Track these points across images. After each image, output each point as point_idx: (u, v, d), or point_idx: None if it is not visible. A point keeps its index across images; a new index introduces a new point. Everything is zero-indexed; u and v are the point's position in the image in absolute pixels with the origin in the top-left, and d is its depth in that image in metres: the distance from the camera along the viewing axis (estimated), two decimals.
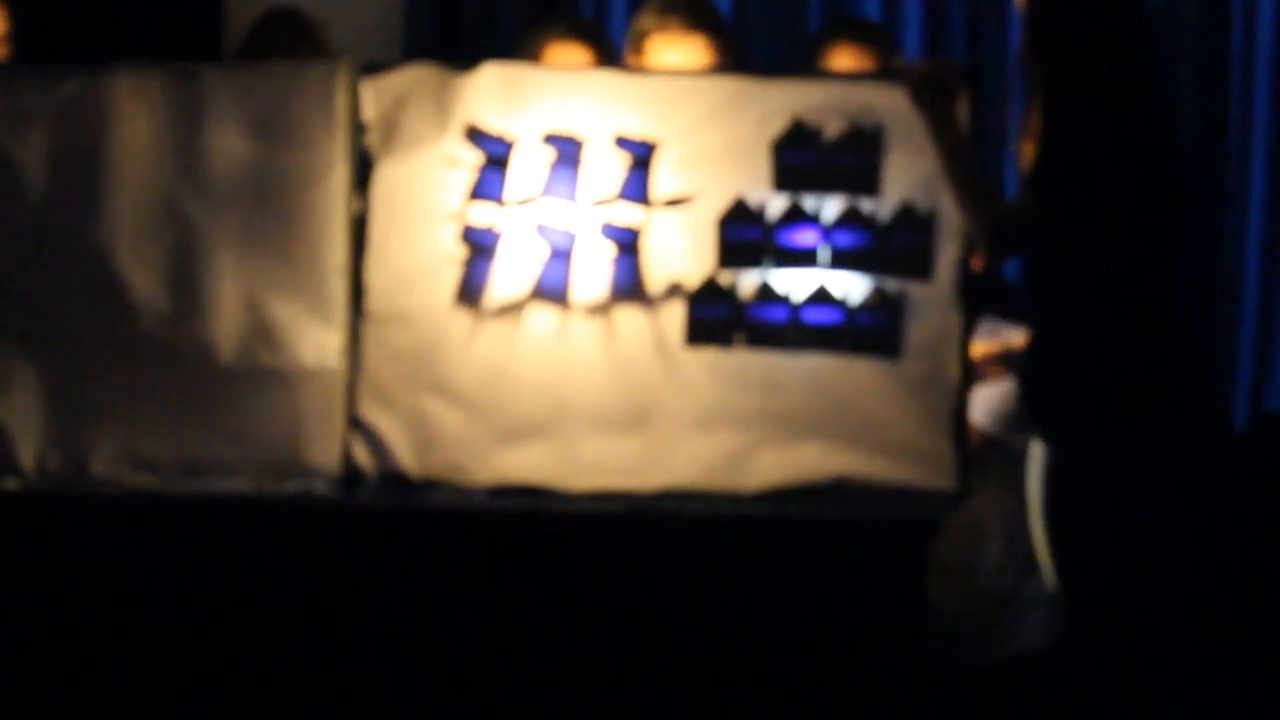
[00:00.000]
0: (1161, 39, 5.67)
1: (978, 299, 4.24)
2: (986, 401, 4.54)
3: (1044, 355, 4.18)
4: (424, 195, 4.22)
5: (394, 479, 4.18)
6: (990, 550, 4.60)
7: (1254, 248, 5.85)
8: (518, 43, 4.99)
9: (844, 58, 4.82)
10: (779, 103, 4.19)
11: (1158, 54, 4.74)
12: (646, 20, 4.83)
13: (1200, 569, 4.31)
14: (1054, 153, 4.09)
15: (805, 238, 4.18)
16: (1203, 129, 5.79)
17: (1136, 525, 4.08)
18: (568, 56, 4.82)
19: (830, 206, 4.17)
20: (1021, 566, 4.48)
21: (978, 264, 4.16)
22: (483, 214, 4.21)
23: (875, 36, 4.93)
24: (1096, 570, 4.10)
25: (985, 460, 4.50)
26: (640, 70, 4.67)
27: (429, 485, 4.18)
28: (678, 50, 4.73)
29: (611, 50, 5.02)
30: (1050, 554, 4.17)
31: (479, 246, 4.20)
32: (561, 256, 4.20)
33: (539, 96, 4.22)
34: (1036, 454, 4.17)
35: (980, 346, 4.51)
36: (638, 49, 4.80)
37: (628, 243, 4.19)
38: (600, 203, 4.21)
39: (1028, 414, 4.21)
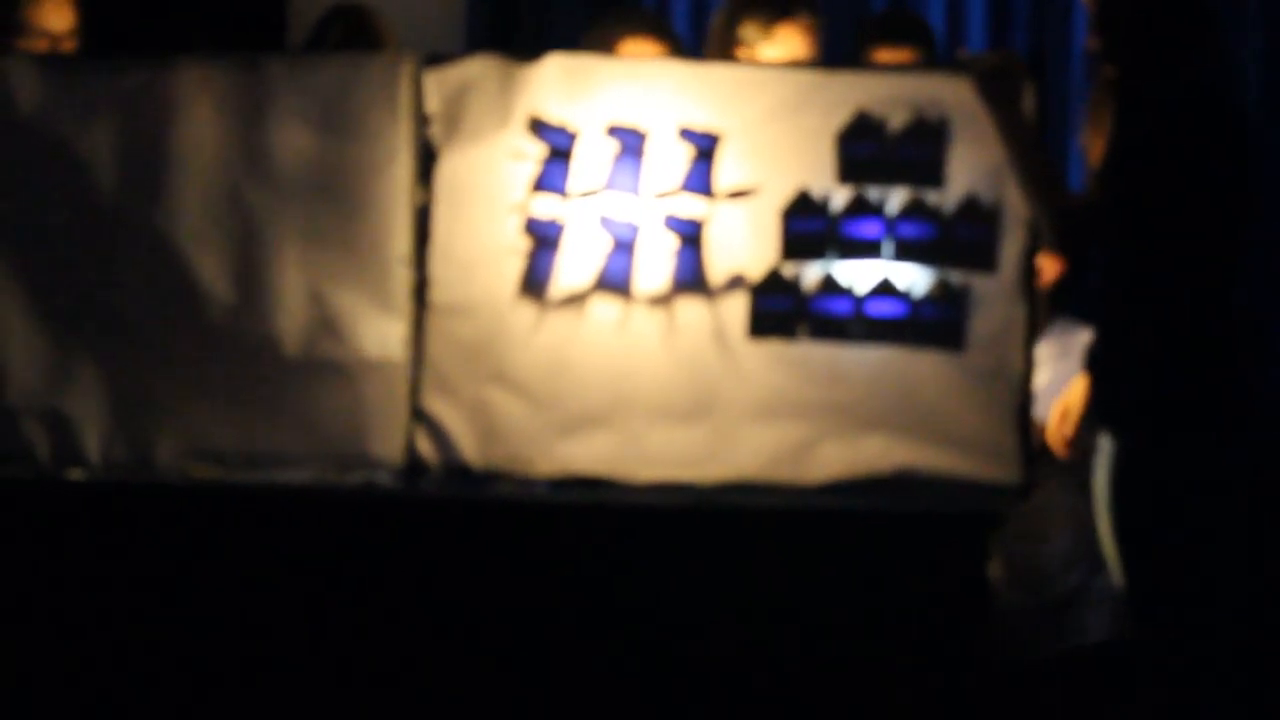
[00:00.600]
0: (1226, 39, 5.60)
1: (1054, 300, 4.22)
2: (1053, 397, 4.49)
3: (1112, 350, 4.12)
4: (487, 187, 4.21)
5: (457, 470, 4.17)
6: (1055, 545, 4.54)
7: None
8: (585, 36, 4.95)
9: (892, 57, 4.82)
10: (843, 95, 4.18)
11: (1226, 41, 4.69)
12: (761, 14, 4.79)
13: (1265, 568, 4.22)
14: (1125, 147, 4.03)
15: (869, 230, 4.17)
16: (1269, 120, 5.73)
17: (1203, 522, 4.02)
18: (642, 51, 4.81)
19: (894, 198, 4.16)
20: (1088, 562, 4.42)
21: (1059, 265, 4.14)
22: (546, 206, 4.20)
23: (917, 35, 4.91)
24: (1162, 566, 4.05)
25: (1052, 454, 4.45)
26: (704, 61, 4.64)
27: (492, 476, 4.18)
28: (804, 41, 4.74)
29: (678, 45, 5.01)
30: (1116, 550, 4.10)
31: (542, 238, 4.20)
32: (625, 248, 4.19)
33: (602, 88, 4.21)
34: (1104, 449, 4.10)
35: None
36: (767, 32, 4.76)
37: (691, 235, 4.18)
38: (663, 195, 4.19)
39: (1095, 408, 4.16)
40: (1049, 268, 4.45)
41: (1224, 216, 4.06)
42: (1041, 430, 4.45)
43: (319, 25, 4.94)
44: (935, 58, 4.72)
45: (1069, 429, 4.38)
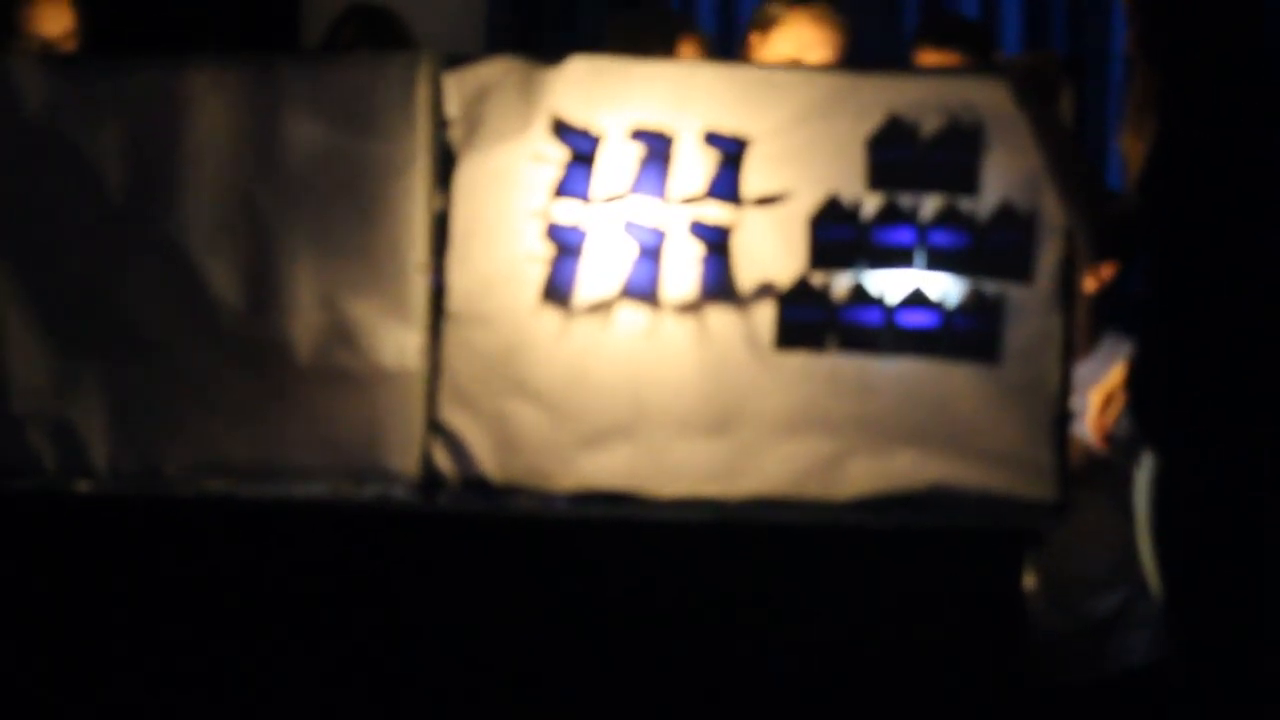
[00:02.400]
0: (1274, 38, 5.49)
1: (1101, 316, 4.14)
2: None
3: (1153, 362, 4.00)
4: (508, 191, 4.12)
5: (475, 484, 4.09)
6: (1095, 566, 4.51)
7: None
8: (609, 33, 4.94)
9: (935, 60, 4.79)
10: (874, 99, 4.09)
11: (1273, 46, 4.54)
12: (779, 3, 4.82)
13: None
14: (1167, 150, 3.92)
15: (901, 238, 4.07)
16: None
17: (1246, 539, 3.88)
18: (693, 54, 4.79)
19: (927, 205, 4.05)
20: (1129, 584, 4.37)
21: (1108, 273, 4.02)
22: (568, 211, 4.11)
23: (966, 38, 4.83)
24: (1204, 587, 3.91)
25: (1092, 474, 4.38)
26: (731, 63, 4.64)
27: (510, 490, 4.09)
28: (815, 35, 4.70)
29: (709, 47, 5.03)
30: (1157, 569, 3.99)
31: (564, 245, 4.11)
32: (649, 256, 4.10)
33: (626, 90, 4.12)
34: (1145, 465, 3.99)
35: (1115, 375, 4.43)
36: (766, 26, 4.76)
37: (717, 242, 4.08)
38: (689, 200, 4.10)
39: (1135, 422, 4.03)
40: (1101, 274, 4.36)
41: (1270, 221, 3.92)
42: (1083, 450, 4.37)
43: (334, 25, 4.96)
44: (997, 54, 4.66)
45: (1110, 418, 4.28)
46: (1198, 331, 3.94)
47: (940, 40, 4.83)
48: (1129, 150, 4.03)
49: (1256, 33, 4.01)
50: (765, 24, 4.80)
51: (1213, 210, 3.90)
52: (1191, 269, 3.95)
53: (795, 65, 4.53)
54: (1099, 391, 4.30)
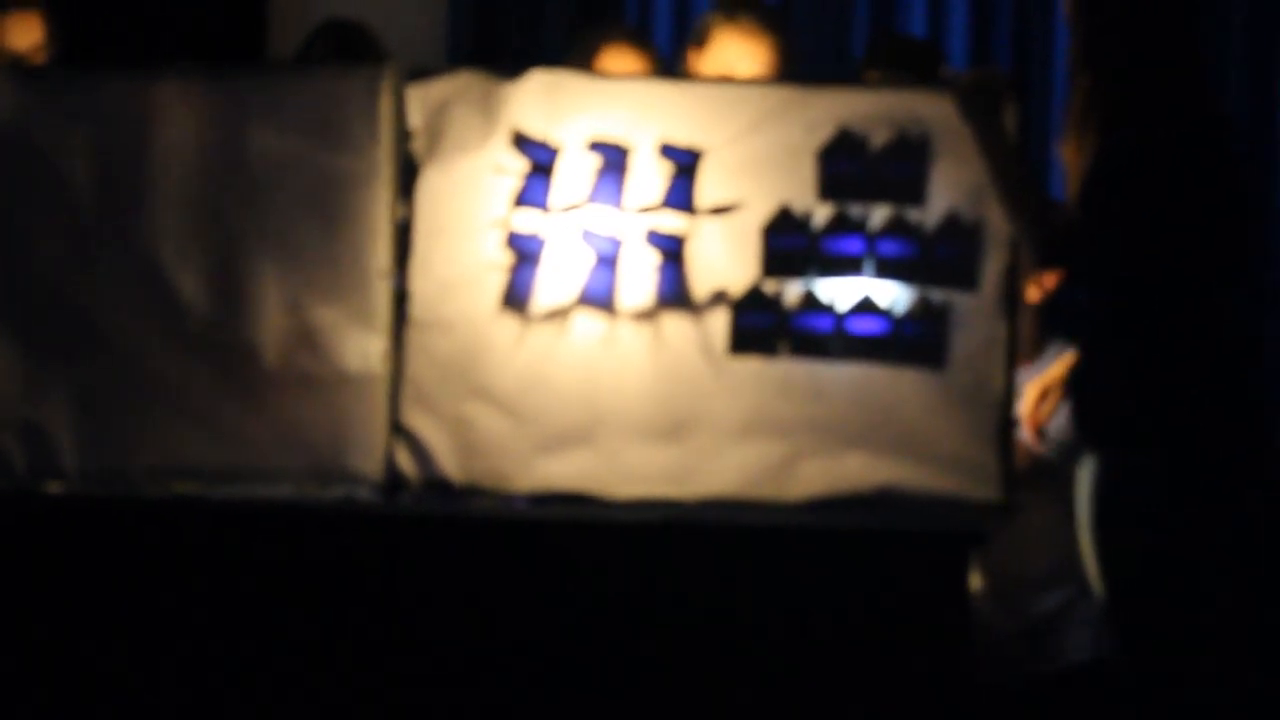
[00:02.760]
0: (1212, 47, 5.61)
1: (1049, 324, 4.18)
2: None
3: (1094, 367, 4.05)
4: (469, 201, 4.13)
5: (437, 485, 4.10)
6: (1039, 566, 4.50)
7: None
8: (569, 47, 4.94)
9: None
10: (825, 112, 4.11)
11: (1210, 66, 4.58)
12: (715, 16, 4.78)
13: (1248, 585, 4.12)
14: (1106, 159, 3.96)
15: (850, 247, 4.10)
16: (1256, 136, 5.73)
17: (1184, 540, 3.94)
18: (622, 61, 4.80)
19: (876, 216, 4.09)
20: (1072, 584, 4.36)
21: (1051, 281, 4.11)
22: (527, 220, 4.12)
23: (915, 58, 4.83)
24: (1143, 585, 3.97)
25: (1036, 476, 4.39)
26: (686, 77, 4.62)
27: (471, 491, 4.10)
28: (743, 47, 4.67)
29: (659, 58, 4.99)
30: (1098, 568, 4.02)
31: (524, 253, 4.12)
32: (606, 264, 4.12)
33: (584, 103, 4.14)
34: (1086, 467, 4.02)
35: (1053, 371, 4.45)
36: (701, 43, 4.74)
37: (672, 250, 4.10)
38: (645, 210, 4.11)
39: (1077, 426, 4.08)
40: (1044, 283, 4.40)
41: (1210, 228, 3.99)
42: (1027, 454, 4.38)
43: (308, 39, 4.93)
44: (944, 69, 4.68)
45: (1045, 413, 4.34)
46: (1137, 338, 3.98)
47: (887, 65, 4.80)
48: (1069, 161, 4.06)
49: (1193, 48, 4.06)
50: (700, 39, 4.77)
51: (1152, 219, 3.93)
52: (1131, 277, 3.98)
53: (748, 79, 4.54)
54: (1036, 384, 4.33)
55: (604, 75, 4.59)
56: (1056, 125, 4.23)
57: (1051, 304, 4.57)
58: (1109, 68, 3.99)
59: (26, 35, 4.79)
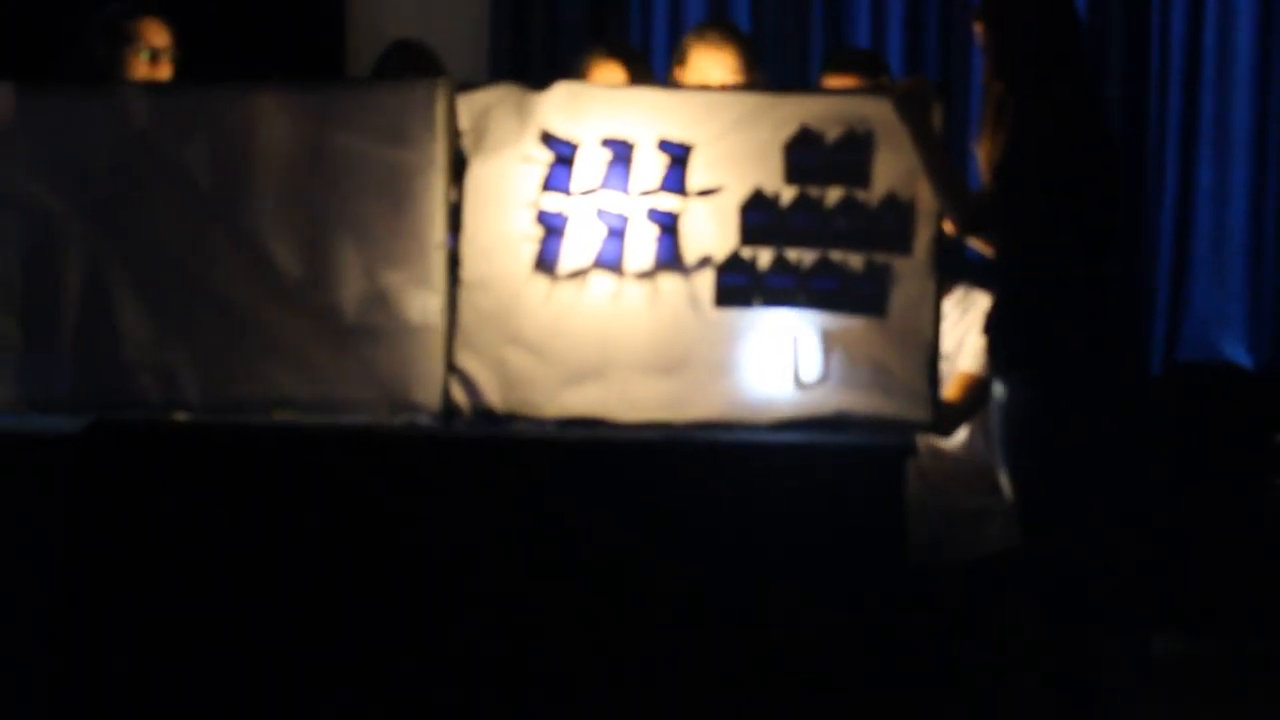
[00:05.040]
0: (1092, 62, 5.63)
1: (949, 271, 4.25)
2: (978, 352, 4.51)
3: (1003, 313, 4.20)
4: (507, 186, 4.22)
5: (483, 413, 4.19)
6: (966, 473, 4.58)
7: (1167, 231, 5.86)
8: (575, 61, 4.97)
9: (838, 84, 4.75)
10: (790, 113, 4.19)
11: (1092, 76, 4.76)
12: (689, 36, 4.81)
13: (1125, 487, 4.33)
14: (1015, 149, 4.09)
15: (810, 220, 4.16)
16: (1127, 131, 5.81)
17: (1076, 448, 4.09)
18: (606, 72, 4.79)
19: (830, 195, 4.16)
20: (987, 486, 4.49)
21: (950, 230, 4.18)
22: (553, 201, 4.21)
23: (863, 64, 4.84)
24: (1044, 486, 4.12)
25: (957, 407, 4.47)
26: (679, 87, 4.64)
27: (510, 417, 4.19)
28: (713, 57, 4.69)
29: (650, 71, 5.00)
30: (1008, 474, 4.20)
31: (551, 227, 4.21)
32: (616, 235, 4.20)
33: (598, 108, 4.22)
34: (997, 393, 4.19)
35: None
36: (682, 60, 4.76)
37: (669, 225, 4.19)
38: (647, 193, 4.21)
39: (991, 360, 4.23)
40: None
41: (1094, 203, 4.12)
42: (972, 380, 4.48)
43: (382, 58, 4.90)
44: (885, 78, 4.71)
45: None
46: (1032, 288, 4.12)
47: (841, 67, 4.81)
48: (981, 157, 4.20)
49: (1079, 55, 4.18)
50: (680, 57, 4.76)
51: (1051, 193, 4.08)
52: (1029, 242, 4.13)
53: (729, 88, 4.53)
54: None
55: (613, 86, 4.62)
56: (974, 122, 4.37)
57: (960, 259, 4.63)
58: (1014, 80, 4.12)
59: (160, 36, 4.78)
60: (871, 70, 4.76)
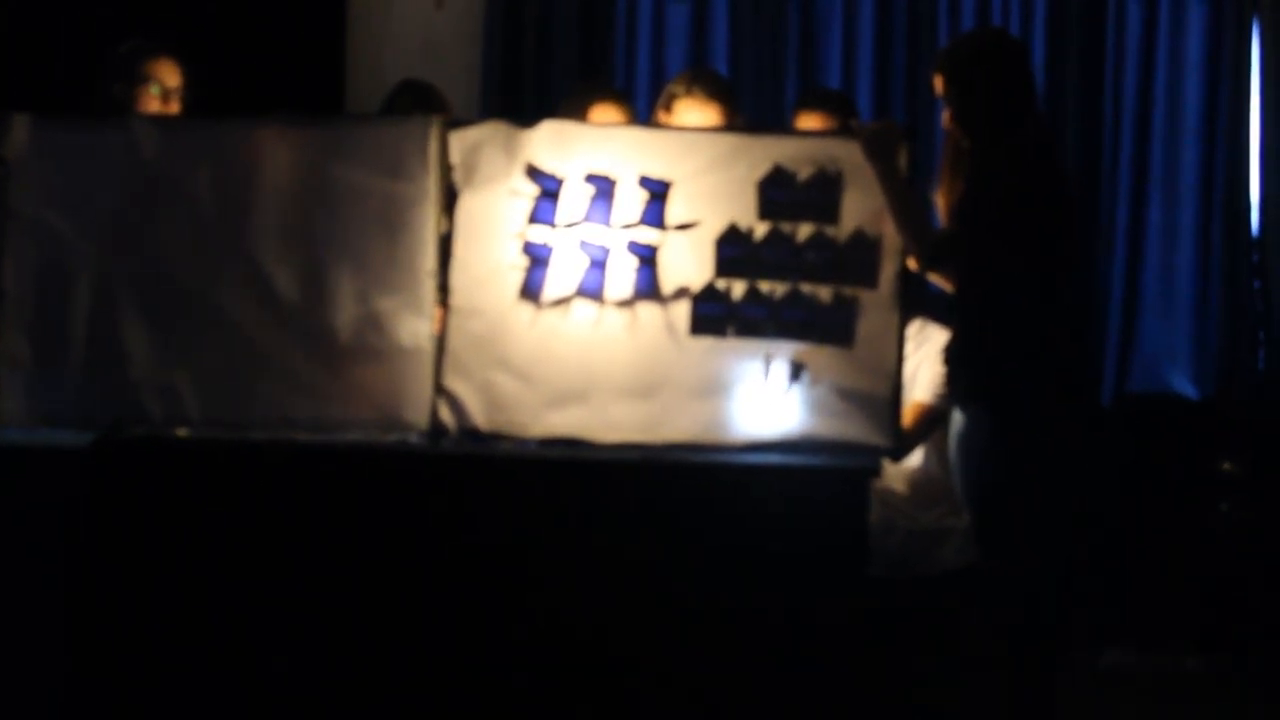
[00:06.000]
0: (1049, 108, 5.73)
1: (910, 304, 4.28)
2: (931, 382, 4.55)
3: (960, 345, 4.25)
4: (495, 218, 4.25)
5: (470, 433, 4.21)
6: (927, 494, 4.56)
7: (1119, 266, 5.91)
8: (564, 100, 4.97)
9: (810, 121, 4.79)
10: (764, 153, 4.23)
11: (1048, 123, 4.76)
12: (677, 86, 4.78)
13: (1076, 505, 4.36)
14: (974, 191, 4.15)
15: (782, 254, 4.19)
16: (1082, 173, 5.85)
17: (1029, 475, 4.14)
18: (606, 113, 4.81)
19: (801, 231, 4.20)
20: (946, 505, 4.51)
21: (913, 265, 4.20)
22: (539, 233, 4.24)
23: (834, 104, 4.85)
24: (998, 507, 4.17)
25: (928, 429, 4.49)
26: (659, 126, 4.67)
27: (495, 437, 4.21)
28: (698, 112, 4.69)
29: (635, 112, 5.03)
30: (964, 496, 4.26)
31: (536, 258, 4.24)
32: (598, 266, 4.23)
33: (582, 146, 4.26)
34: (955, 420, 4.25)
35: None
36: (668, 107, 4.75)
37: (648, 256, 4.23)
38: (627, 226, 4.24)
39: (949, 389, 4.29)
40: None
41: (1048, 242, 4.16)
42: (923, 409, 4.49)
43: (391, 95, 4.93)
44: (854, 119, 4.61)
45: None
46: (987, 322, 4.17)
47: (811, 106, 4.83)
48: (940, 203, 4.27)
49: (1033, 105, 4.24)
50: (667, 103, 4.75)
51: (1008, 232, 4.13)
52: (988, 279, 4.18)
53: (706, 129, 4.52)
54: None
55: (596, 124, 4.60)
56: (936, 165, 4.39)
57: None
58: (972, 130, 4.18)
59: (173, 76, 4.81)
60: (841, 110, 4.77)
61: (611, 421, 4.18)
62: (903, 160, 4.18)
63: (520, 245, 4.26)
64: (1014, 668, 4.17)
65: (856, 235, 4.19)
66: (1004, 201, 4.13)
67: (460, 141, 4.27)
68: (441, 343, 4.22)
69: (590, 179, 4.26)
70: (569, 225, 4.26)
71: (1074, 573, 4.63)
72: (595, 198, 4.25)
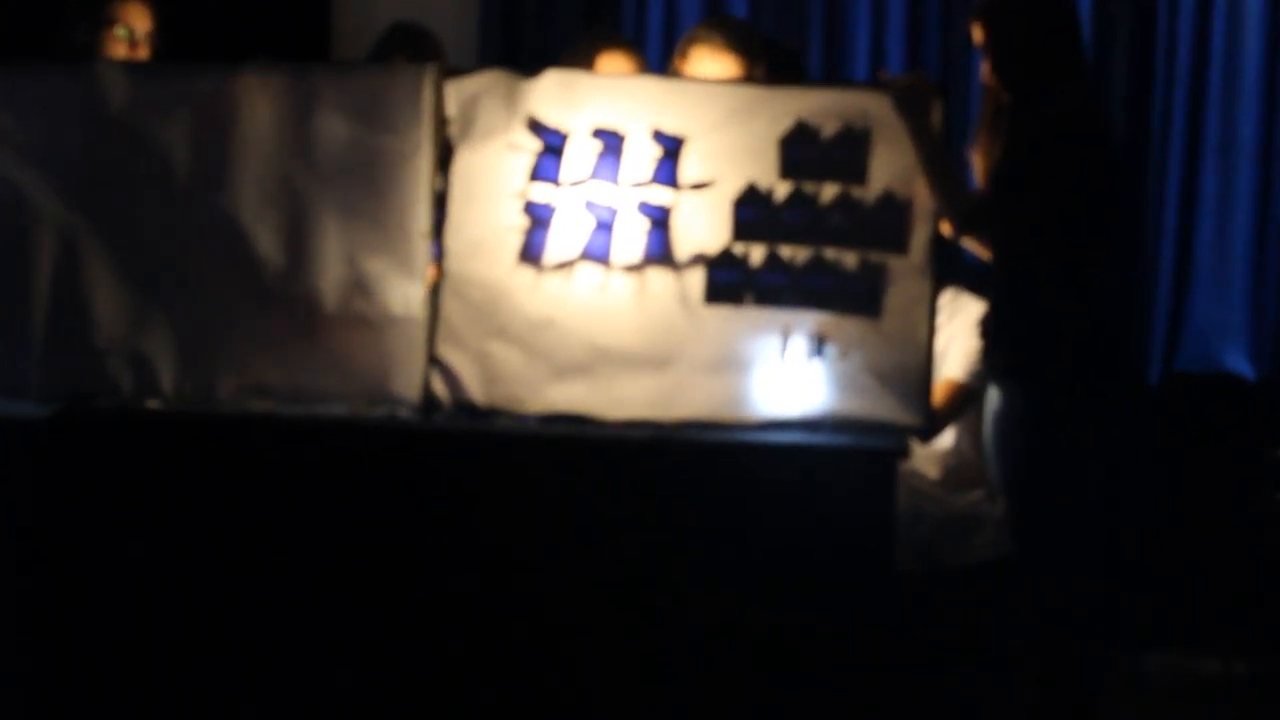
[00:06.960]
0: (1095, 66, 5.64)
1: (943, 273, 4.21)
2: (964, 358, 4.49)
3: (998, 320, 4.17)
4: (494, 176, 4.18)
5: (464, 407, 4.15)
6: (959, 474, 4.53)
7: (1169, 235, 5.80)
8: (566, 53, 4.88)
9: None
10: (786, 107, 4.15)
11: (1095, 81, 4.68)
12: (695, 33, 4.69)
13: (1118, 493, 4.25)
14: (1015, 153, 4.07)
15: (804, 217, 4.13)
16: (1131, 137, 5.75)
17: (1068, 456, 4.07)
18: (615, 63, 4.75)
19: (826, 192, 4.13)
20: (982, 490, 4.46)
21: (947, 230, 4.13)
22: (542, 192, 4.17)
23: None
24: (1034, 492, 4.09)
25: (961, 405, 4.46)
26: (673, 77, 4.58)
27: (493, 413, 4.15)
28: (715, 61, 4.58)
29: (645, 63, 4.96)
30: (1000, 480, 4.16)
31: (538, 218, 4.17)
32: (605, 228, 4.16)
33: (589, 97, 4.18)
34: (991, 398, 4.15)
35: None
36: (684, 55, 4.65)
37: (659, 218, 4.15)
38: (637, 185, 4.17)
39: (985, 366, 4.20)
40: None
41: (1093, 211, 4.09)
42: (955, 388, 4.45)
43: (381, 40, 4.86)
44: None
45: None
46: (1032, 296, 4.08)
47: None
48: (976, 162, 4.19)
49: (1082, 62, 4.16)
50: (682, 52, 4.66)
51: (1049, 199, 4.03)
52: (1027, 248, 4.09)
53: (724, 80, 4.42)
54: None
55: (605, 74, 4.56)
56: (972, 121, 4.30)
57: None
58: (1013, 84, 4.10)
59: (142, 19, 4.71)
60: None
61: (618, 397, 4.13)
62: (936, 116, 4.09)
63: (521, 205, 4.18)
64: (1049, 667, 4.10)
65: (885, 197, 4.12)
66: (1044, 165, 4.04)
67: (457, 92, 4.20)
68: (435, 309, 4.17)
69: (597, 134, 4.18)
70: (574, 184, 4.18)
71: (1116, 565, 4.50)
72: (603, 154, 4.18)
